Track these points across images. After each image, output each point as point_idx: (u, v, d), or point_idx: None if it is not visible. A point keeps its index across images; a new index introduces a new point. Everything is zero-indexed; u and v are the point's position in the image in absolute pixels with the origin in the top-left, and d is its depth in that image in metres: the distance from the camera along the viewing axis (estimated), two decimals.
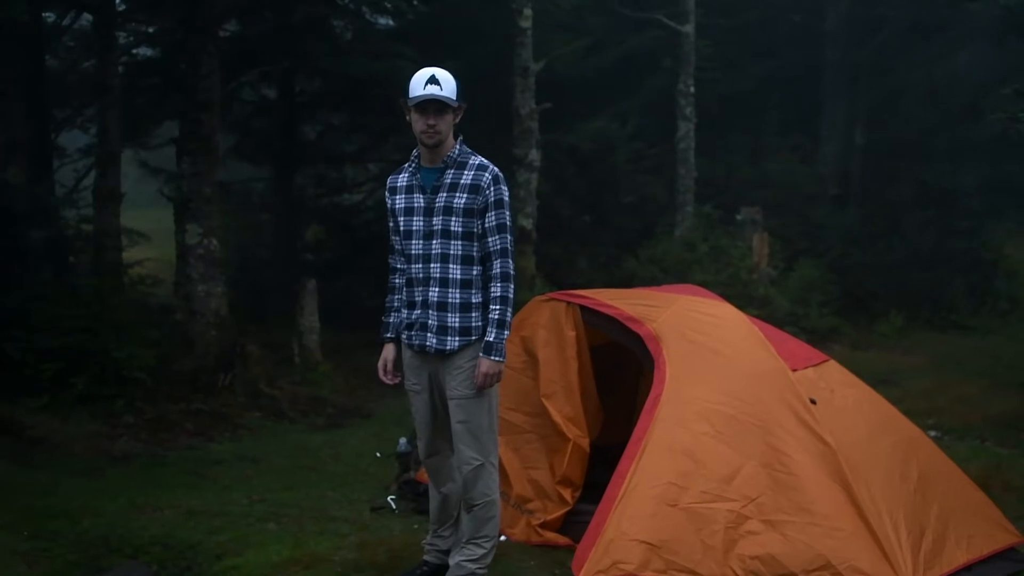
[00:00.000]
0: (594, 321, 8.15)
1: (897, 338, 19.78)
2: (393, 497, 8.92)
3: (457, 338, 6.50)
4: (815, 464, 6.89)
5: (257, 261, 21.34)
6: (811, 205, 23.91)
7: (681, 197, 21.84)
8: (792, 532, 6.64)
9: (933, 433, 10.93)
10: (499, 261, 6.49)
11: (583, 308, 8.17)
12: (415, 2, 17.92)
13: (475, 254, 6.50)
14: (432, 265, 6.50)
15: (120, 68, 15.28)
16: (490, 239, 6.48)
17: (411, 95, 6.40)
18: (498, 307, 6.47)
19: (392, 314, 6.89)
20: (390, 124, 19.80)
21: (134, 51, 18.28)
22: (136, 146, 19.16)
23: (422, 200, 6.56)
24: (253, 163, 22.74)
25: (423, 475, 7.98)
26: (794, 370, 7.60)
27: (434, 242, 6.49)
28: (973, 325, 20.51)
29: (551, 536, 7.79)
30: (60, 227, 15.35)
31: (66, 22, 16.57)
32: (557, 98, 18.63)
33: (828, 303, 20.27)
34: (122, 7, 15.62)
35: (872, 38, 25.09)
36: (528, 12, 17.78)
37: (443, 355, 6.56)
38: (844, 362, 8.79)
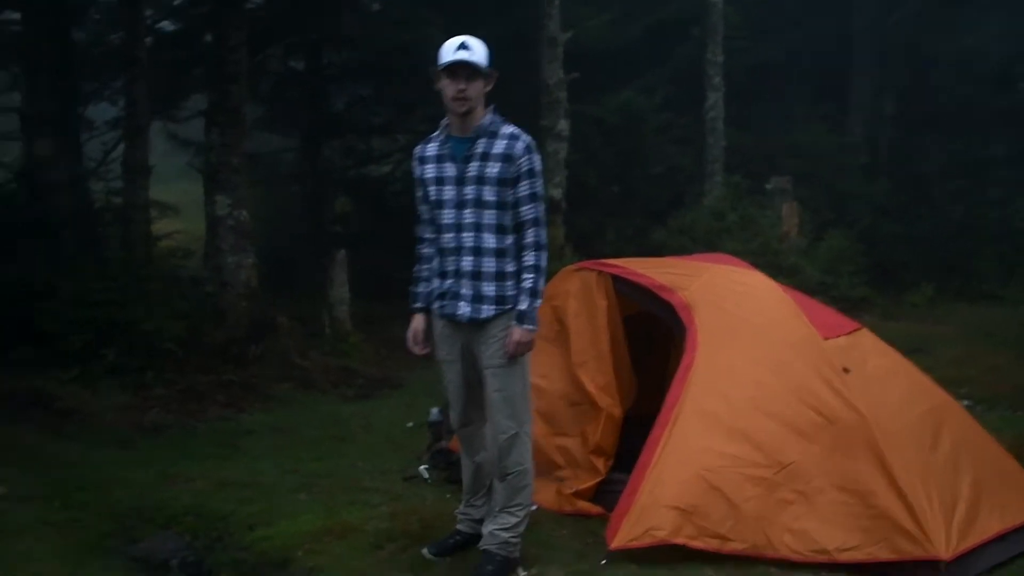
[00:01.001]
0: (625, 290, 8.14)
1: (927, 308, 19.69)
2: (425, 467, 8.92)
3: (493, 307, 6.50)
4: (848, 433, 6.87)
5: (286, 232, 21.34)
6: (841, 175, 23.74)
7: (710, 167, 21.76)
8: (825, 507, 6.65)
9: (965, 402, 10.84)
10: (532, 230, 6.48)
11: (614, 277, 8.16)
12: None
13: (508, 223, 6.48)
14: (465, 234, 6.49)
15: (147, 40, 15.28)
16: (523, 208, 6.46)
17: (441, 61, 6.40)
18: (531, 276, 6.46)
19: (421, 284, 6.87)
20: (418, 95, 19.74)
21: (161, 23, 18.27)
22: (164, 118, 19.17)
23: (453, 169, 6.54)
24: (281, 134, 22.77)
25: (455, 444, 7.97)
26: (826, 339, 7.59)
27: (466, 211, 6.48)
28: (1004, 295, 20.39)
29: (584, 505, 7.79)
30: (89, 200, 15.42)
31: None
32: (585, 68, 18.59)
33: (858, 273, 20.17)
34: None
35: (902, 6, 24.91)
36: None
37: (477, 324, 6.56)
38: (875, 332, 8.72)
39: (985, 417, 10.48)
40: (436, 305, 6.72)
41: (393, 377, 13.90)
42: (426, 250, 6.85)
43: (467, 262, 6.50)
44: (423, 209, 6.81)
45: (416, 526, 7.36)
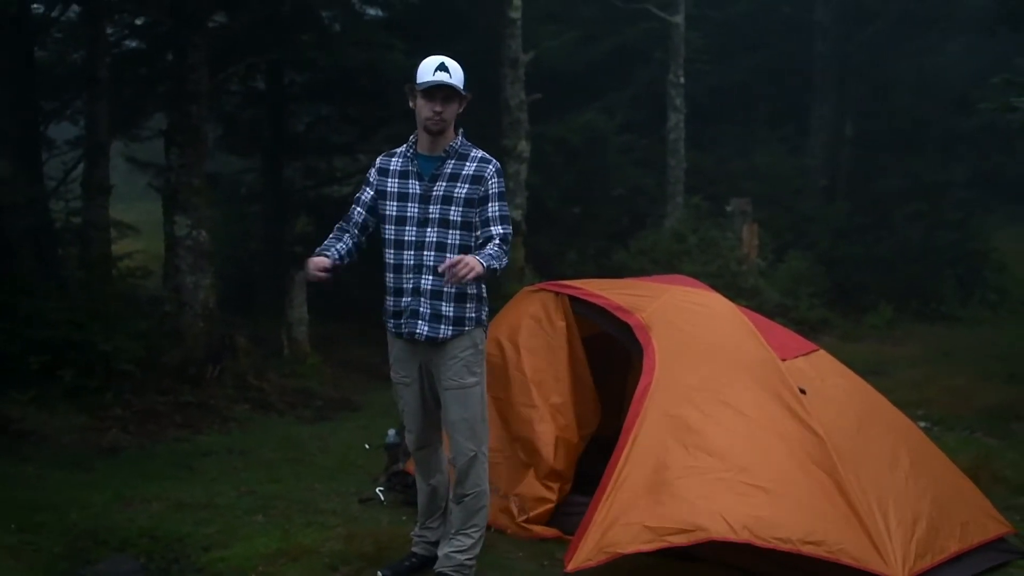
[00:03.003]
0: (583, 311, 8.15)
1: (887, 330, 19.81)
2: (381, 489, 8.90)
3: (451, 327, 6.52)
4: (804, 455, 6.86)
5: (246, 253, 21.29)
6: (801, 197, 23.91)
7: (671, 188, 21.84)
8: (787, 504, 6.57)
9: (923, 424, 10.94)
10: (499, 239, 6.40)
11: (572, 298, 8.16)
12: None
13: (472, 244, 6.51)
14: (426, 253, 6.50)
15: (108, 60, 15.21)
16: (493, 228, 6.47)
17: (419, 80, 6.42)
18: (495, 249, 6.32)
19: (330, 243, 6.64)
20: (379, 115, 19.80)
21: (122, 43, 18.20)
22: (125, 138, 19.08)
23: (418, 187, 6.56)
24: (242, 154, 22.68)
25: (412, 466, 7.95)
26: (784, 359, 7.60)
27: (428, 230, 6.50)
28: (962, 316, 20.58)
29: (539, 530, 7.78)
30: (48, 219, 15.31)
31: (54, 14, 16.51)
32: (547, 89, 18.63)
33: (818, 295, 20.28)
34: None
35: (862, 30, 25.11)
36: (518, 3, 17.76)
37: (435, 343, 6.56)
38: (834, 353, 8.77)
39: (943, 438, 10.58)
40: (392, 324, 6.70)
41: (351, 399, 13.86)
42: (342, 235, 6.71)
43: (428, 281, 6.50)
44: (356, 211, 6.76)
45: (371, 548, 7.35)
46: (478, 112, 17.09)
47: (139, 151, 20.47)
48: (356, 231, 6.76)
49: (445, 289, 6.47)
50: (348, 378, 14.83)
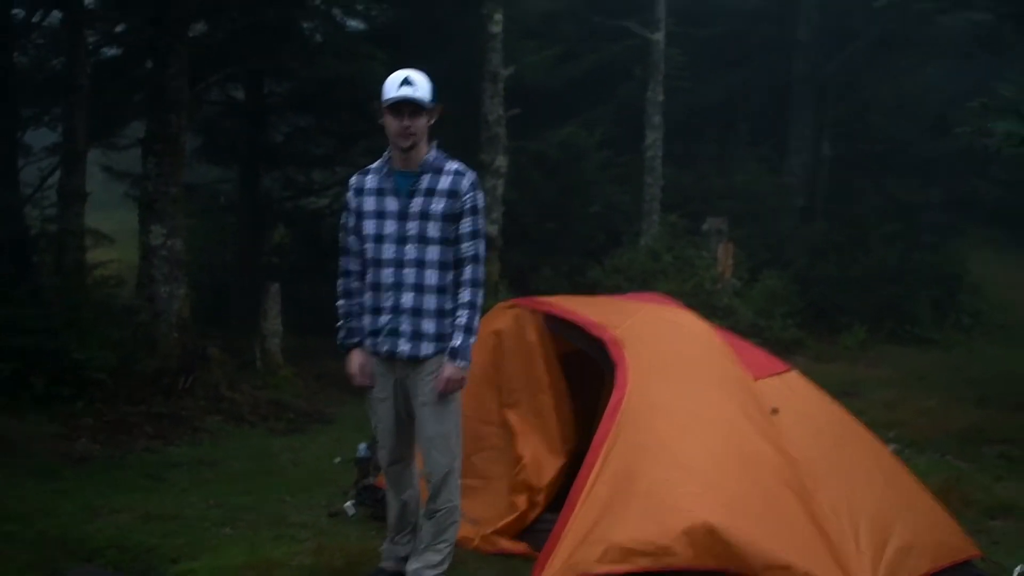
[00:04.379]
0: (557, 328, 8.14)
1: (860, 351, 19.82)
2: (351, 503, 8.88)
3: (433, 344, 6.52)
4: (774, 475, 6.88)
5: (221, 263, 21.20)
6: (777, 216, 23.89)
7: (647, 206, 21.76)
8: (752, 527, 6.58)
9: (893, 446, 10.94)
10: (470, 267, 6.52)
11: (546, 315, 8.16)
12: (386, 4, 17.95)
13: (451, 260, 6.52)
14: (406, 270, 6.49)
15: (88, 67, 15.17)
16: (464, 245, 6.50)
17: (385, 97, 6.40)
18: (466, 312, 6.50)
19: (354, 319, 6.80)
20: (359, 127, 19.72)
21: (102, 50, 18.15)
22: (103, 146, 19.02)
23: (396, 204, 6.54)
24: (220, 164, 22.58)
25: (382, 481, 7.93)
26: (756, 379, 7.61)
27: (407, 247, 6.49)
28: (936, 339, 20.62)
29: (506, 544, 7.74)
30: (23, 226, 15.24)
31: (35, 20, 16.46)
32: (526, 105, 18.60)
33: (792, 315, 20.24)
34: (91, 5, 15.52)
35: (841, 51, 25.14)
36: (498, 18, 17.74)
37: (415, 361, 6.55)
38: (807, 374, 8.78)
39: (914, 461, 10.60)
40: (369, 342, 6.69)
41: (323, 412, 13.82)
42: (355, 284, 6.81)
43: (408, 298, 6.50)
44: (351, 240, 6.78)
45: (340, 562, 7.34)
46: (457, 126, 17.18)
47: (117, 161, 20.40)
48: (360, 259, 6.75)
49: (425, 306, 6.48)
50: (321, 391, 14.79)
